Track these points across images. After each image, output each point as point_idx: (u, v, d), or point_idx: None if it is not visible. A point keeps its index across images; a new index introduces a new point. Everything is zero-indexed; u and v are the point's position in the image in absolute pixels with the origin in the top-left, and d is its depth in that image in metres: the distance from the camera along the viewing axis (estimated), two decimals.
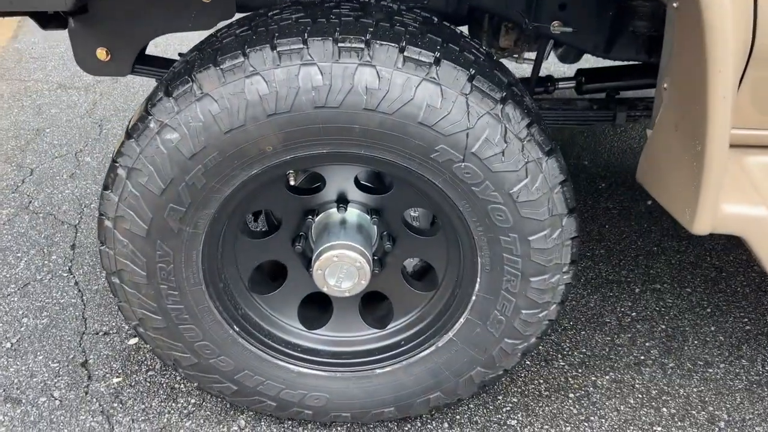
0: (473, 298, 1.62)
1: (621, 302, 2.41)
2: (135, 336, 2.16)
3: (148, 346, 1.71)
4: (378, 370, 1.74)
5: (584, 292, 2.45)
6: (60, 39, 4.49)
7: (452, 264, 1.67)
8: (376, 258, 1.68)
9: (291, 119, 1.33)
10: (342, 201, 1.65)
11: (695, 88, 1.30)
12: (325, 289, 1.64)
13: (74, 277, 2.42)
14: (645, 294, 2.45)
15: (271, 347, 1.72)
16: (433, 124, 1.34)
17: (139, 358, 2.08)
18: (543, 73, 2.33)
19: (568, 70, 3.71)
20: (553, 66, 3.92)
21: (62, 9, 1.31)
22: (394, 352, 1.75)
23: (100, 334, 2.17)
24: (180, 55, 2.14)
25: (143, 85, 3.92)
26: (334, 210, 1.66)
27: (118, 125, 3.47)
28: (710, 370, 2.13)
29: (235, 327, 1.68)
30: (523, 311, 1.61)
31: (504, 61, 2.39)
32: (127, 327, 2.20)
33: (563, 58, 2.76)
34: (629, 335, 2.26)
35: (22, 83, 3.89)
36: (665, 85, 1.49)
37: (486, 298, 1.61)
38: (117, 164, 1.44)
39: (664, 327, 2.30)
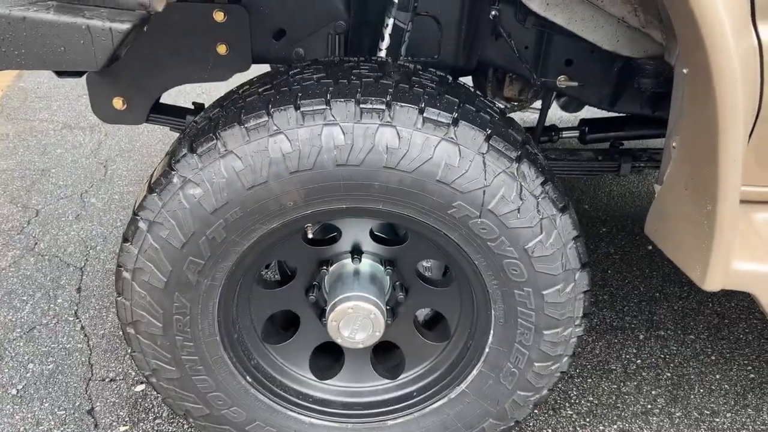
0: (486, 350, 1.63)
1: (626, 349, 2.43)
2: (142, 383, 2.15)
3: (158, 395, 1.70)
4: (390, 422, 1.74)
5: (589, 339, 2.47)
6: (66, 79, 4.55)
7: (465, 315, 1.69)
8: (388, 308, 1.70)
9: (313, 177, 1.37)
10: (356, 252, 1.68)
11: (705, 149, 1.34)
12: (339, 341, 1.65)
13: (80, 321, 2.41)
14: (649, 341, 2.47)
15: (283, 398, 1.72)
16: (451, 182, 1.37)
17: (146, 405, 2.07)
18: (547, 122, 2.39)
19: (572, 118, 3.79)
20: (554, 114, 4.00)
21: (93, 69, 1.35)
22: (406, 403, 1.75)
23: (107, 380, 2.16)
24: (194, 104, 2.20)
25: (148, 126, 3.95)
26: (348, 261, 1.68)
27: (122, 166, 3.50)
28: (717, 420, 2.14)
29: (247, 377, 1.68)
30: (536, 364, 1.62)
31: (509, 111, 2.45)
32: (134, 373, 2.19)
33: (566, 108, 2.82)
34: (635, 383, 2.27)
35: (27, 123, 3.93)
36: (674, 144, 1.53)
37: (499, 351, 1.62)
38: (138, 217, 1.46)
39: (669, 375, 2.31)
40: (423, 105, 1.36)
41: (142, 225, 1.46)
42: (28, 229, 2.92)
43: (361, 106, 1.34)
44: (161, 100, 2.13)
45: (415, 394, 1.76)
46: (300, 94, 1.38)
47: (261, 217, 1.42)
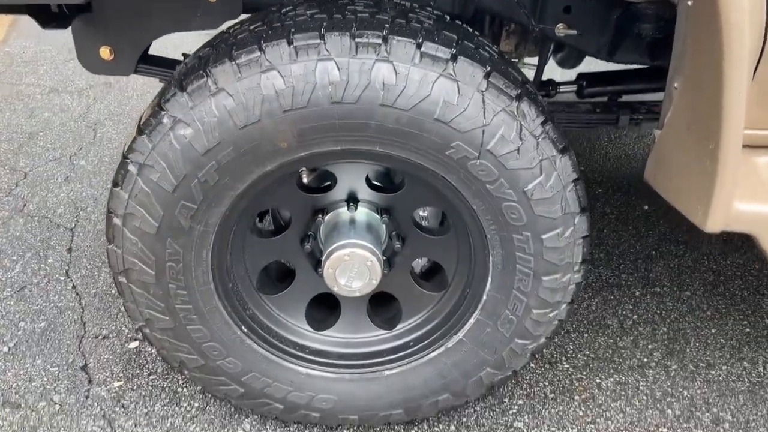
0: (484, 297, 1.61)
1: (622, 305, 2.42)
2: (135, 340, 2.12)
3: (152, 348, 1.68)
4: (387, 372, 1.73)
5: (585, 296, 2.46)
6: (52, 43, 4.45)
7: (463, 263, 1.66)
8: (385, 258, 1.67)
9: (307, 115, 1.33)
10: (352, 200, 1.64)
11: (709, 85, 1.31)
12: (335, 289, 1.63)
13: (71, 280, 2.37)
14: (645, 297, 2.46)
15: (279, 348, 1.70)
16: (449, 121, 1.34)
17: (141, 361, 2.05)
18: (544, 77, 2.35)
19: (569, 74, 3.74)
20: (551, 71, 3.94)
21: (79, 1, 1.30)
22: (403, 353, 1.74)
23: (100, 337, 2.13)
24: (184, 56, 2.13)
25: (137, 89, 3.89)
26: (344, 209, 1.65)
27: (112, 129, 3.43)
28: (713, 372, 2.14)
29: (243, 328, 1.66)
30: (534, 311, 1.61)
31: None
32: (127, 330, 2.16)
33: (562, 63, 2.77)
34: (631, 338, 2.27)
35: (13, 87, 3.84)
36: (676, 85, 1.50)
37: (497, 298, 1.61)
38: (128, 160, 1.42)
39: (665, 330, 2.31)
40: (420, 40, 1.32)
41: (132, 168, 1.42)
42: (16, 191, 2.87)
43: (357, 40, 1.30)
44: (152, 53, 2.08)
45: (411, 343, 1.74)
46: (293, 29, 1.33)
47: (254, 158, 1.39)
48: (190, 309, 1.58)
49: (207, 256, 1.53)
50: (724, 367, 2.16)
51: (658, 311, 2.40)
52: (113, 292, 2.32)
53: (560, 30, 1.98)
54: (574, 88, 2.40)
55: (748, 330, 2.31)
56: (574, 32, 1.98)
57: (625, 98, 2.32)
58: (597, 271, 2.59)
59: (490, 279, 1.59)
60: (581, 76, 2.39)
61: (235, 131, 1.34)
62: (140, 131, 1.40)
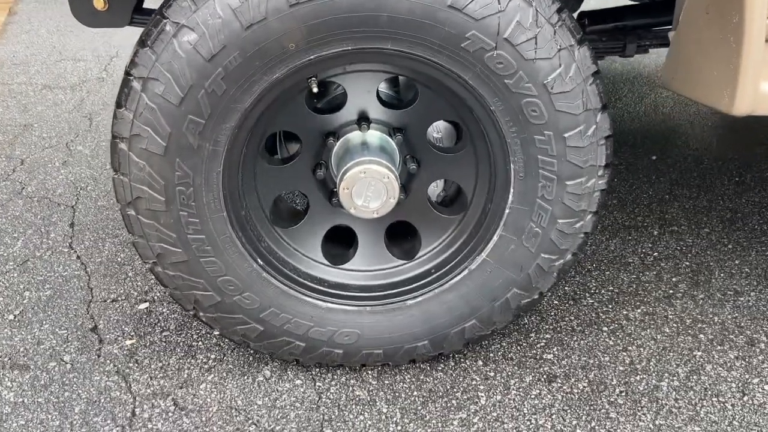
0: (507, 211, 1.56)
1: (641, 244, 2.36)
2: (145, 301, 2.05)
3: (166, 287, 1.60)
4: (409, 301, 1.66)
5: (602, 237, 2.40)
6: (42, 46, 4.42)
7: (482, 179, 1.61)
8: (401, 184, 1.61)
9: (315, 9, 1.28)
10: (363, 120, 1.59)
11: None
12: (352, 211, 1.57)
13: (75, 252, 2.30)
14: (664, 236, 2.41)
15: (298, 282, 1.64)
16: (463, 8, 1.29)
17: (152, 320, 1.97)
18: None
19: None
20: None
21: None
22: (424, 281, 1.67)
23: (108, 301, 2.06)
24: None
25: None
26: (355, 131, 1.59)
27: (108, 118, 3.38)
28: (741, 299, 2.08)
29: (259, 260, 1.59)
30: (560, 221, 1.55)
31: None
32: (136, 293, 2.09)
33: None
34: (654, 273, 2.21)
35: (4, 86, 3.79)
36: None
37: (520, 210, 1.55)
38: (131, 77, 1.37)
39: (688, 264, 2.25)
40: None
41: (135, 84, 1.36)
42: (14, 176, 2.81)
43: None
44: (146, 5, 2.04)
45: (433, 270, 1.68)
46: None
47: (262, 63, 1.33)
48: (203, 239, 1.51)
49: (218, 180, 1.47)
50: (752, 294, 2.10)
51: (678, 248, 2.34)
52: (119, 259, 2.25)
53: None
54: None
55: None
56: None
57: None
58: (612, 216, 2.53)
59: (512, 190, 1.53)
60: (583, 15, 2.36)
61: (241, 33, 1.29)
62: (142, 43, 1.35)
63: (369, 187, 1.52)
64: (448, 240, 1.69)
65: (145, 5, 2.01)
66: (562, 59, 1.37)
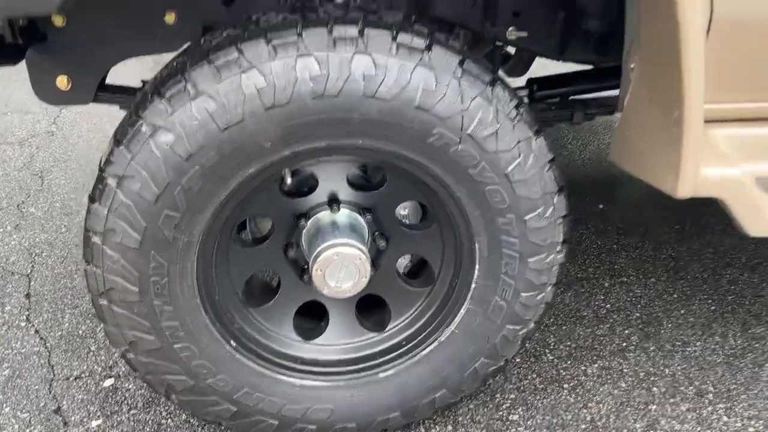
0: (473, 285, 1.63)
1: (594, 296, 2.48)
2: (110, 377, 2.02)
3: (134, 374, 1.61)
4: (381, 374, 1.71)
5: (559, 291, 2.51)
6: None
7: (448, 255, 1.68)
8: (370, 258, 1.67)
9: (290, 112, 1.33)
10: (333, 201, 1.64)
11: (667, 57, 1.39)
12: (325, 291, 1.61)
13: (33, 326, 2.25)
14: (614, 287, 2.54)
15: (270, 361, 1.66)
16: (429, 108, 1.37)
17: (118, 398, 1.95)
18: None
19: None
20: None
21: (51, 10, 1.28)
22: (396, 353, 1.72)
23: (71, 378, 2.02)
24: (143, 82, 2.11)
25: (81, 135, 3.80)
26: (326, 211, 1.64)
27: (60, 175, 3.32)
28: (689, 349, 2.21)
29: (232, 342, 1.61)
30: (523, 294, 1.64)
31: None
32: (100, 369, 2.06)
33: (511, 72, 2.89)
34: (608, 325, 2.33)
35: None
36: (632, 66, 1.59)
37: (486, 285, 1.62)
38: (105, 174, 1.38)
39: (638, 314, 2.38)
40: (395, 31, 1.36)
41: (110, 181, 1.38)
42: None
43: (334, 34, 1.33)
44: (108, 81, 2.04)
45: (404, 342, 1.73)
46: (269, 29, 1.35)
47: (238, 160, 1.37)
48: (176, 326, 1.53)
49: (192, 268, 1.49)
50: (698, 344, 2.23)
51: (629, 299, 2.47)
52: (80, 332, 2.22)
53: (511, 33, 2.08)
54: (525, 92, 2.50)
55: (713, 308, 2.41)
56: (524, 34, 2.08)
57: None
58: (565, 267, 2.65)
59: (477, 266, 1.61)
60: (531, 81, 2.50)
61: (218, 134, 1.34)
62: (117, 143, 1.37)
63: (341, 269, 1.57)
64: (417, 312, 1.75)
65: (108, 81, 2.02)
66: (521, 150, 1.46)
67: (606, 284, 2.56)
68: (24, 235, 2.79)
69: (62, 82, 1.86)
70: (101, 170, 1.40)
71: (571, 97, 2.38)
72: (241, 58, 1.32)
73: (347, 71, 1.32)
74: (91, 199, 1.42)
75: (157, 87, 1.36)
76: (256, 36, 1.34)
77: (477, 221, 1.54)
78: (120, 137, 1.37)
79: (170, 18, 1.78)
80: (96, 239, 1.43)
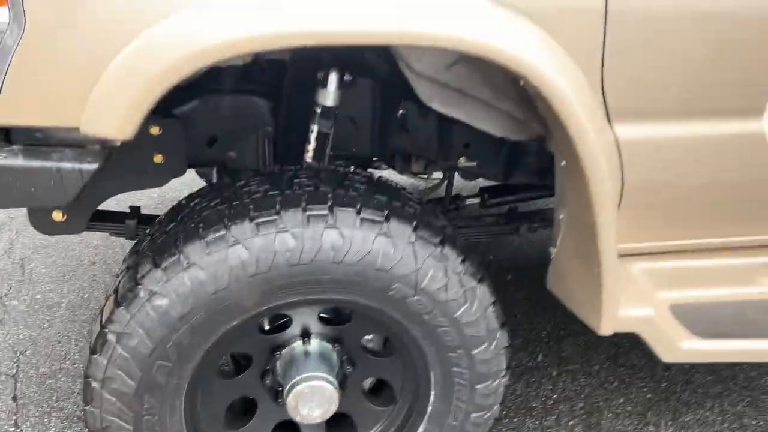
0: (430, 408, 1.86)
1: (542, 386, 2.73)
2: None
3: None
4: None
5: (510, 381, 2.74)
6: None
7: (408, 379, 1.91)
8: (338, 381, 1.88)
9: (269, 278, 1.56)
10: (305, 334, 1.86)
11: (585, 225, 1.67)
12: (298, 418, 1.82)
13: (21, 430, 2.39)
14: (561, 376, 2.79)
15: None
16: (389, 269, 1.61)
17: None
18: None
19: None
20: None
21: (62, 204, 1.48)
22: None
23: None
24: (131, 208, 2.32)
25: None
26: (299, 343, 1.86)
27: (41, 263, 3.46)
28: None
29: None
30: (473, 415, 1.87)
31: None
32: None
33: (465, 177, 3.18)
34: (554, 417, 2.57)
35: None
36: (561, 216, 1.86)
37: (441, 408, 1.86)
38: (107, 331, 1.58)
39: (582, 405, 2.63)
40: (359, 207, 1.61)
41: (111, 337, 1.58)
42: None
43: (308, 213, 1.57)
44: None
45: None
46: (252, 207, 1.58)
47: (223, 317, 1.59)
48: None
49: (180, 405, 1.69)
50: None
51: (574, 388, 2.72)
52: None
53: (462, 163, 2.36)
54: (477, 200, 2.78)
55: (649, 395, 2.68)
56: (473, 164, 2.36)
57: (524, 208, 2.71)
58: (517, 356, 2.90)
59: (432, 392, 1.84)
60: (483, 190, 2.78)
61: (207, 298, 1.55)
62: (118, 304, 1.57)
63: (312, 399, 1.78)
64: (381, 429, 1.97)
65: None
66: (467, 297, 1.71)
67: (554, 373, 2.81)
68: (8, 332, 2.92)
69: (57, 215, 2.03)
70: (102, 326, 1.60)
71: (517, 210, 2.67)
72: (228, 234, 1.55)
73: (318, 243, 1.56)
74: (92, 351, 1.61)
75: (155, 258, 1.57)
76: (242, 215, 1.57)
77: (432, 356, 1.78)
78: (120, 300, 1.57)
79: (158, 158, 2.00)
80: (95, 384, 1.62)
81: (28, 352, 2.80)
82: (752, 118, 1.73)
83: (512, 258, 3.72)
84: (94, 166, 1.44)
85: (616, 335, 3.02)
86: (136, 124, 1.41)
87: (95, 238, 3.72)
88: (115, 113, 1.38)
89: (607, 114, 1.63)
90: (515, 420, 2.54)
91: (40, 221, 2.05)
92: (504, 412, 2.58)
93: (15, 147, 1.46)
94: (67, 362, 2.75)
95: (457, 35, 1.41)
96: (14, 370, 2.69)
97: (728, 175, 1.77)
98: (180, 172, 2.08)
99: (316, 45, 1.40)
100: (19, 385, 2.62)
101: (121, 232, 2.24)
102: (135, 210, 2.27)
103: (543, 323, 3.12)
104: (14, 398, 2.55)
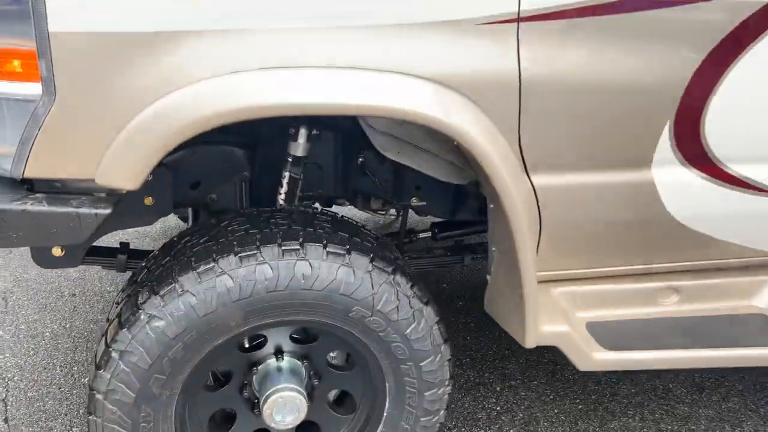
0: (385, 414, 2.19)
1: (487, 399, 3.07)
2: None
3: None
4: None
5: (459, 395, 3.09)
6: None
7: (366, 390, 2.23)
8: (306, 393, 2.19)
9: (250, 302, 1.88)
10: (279, 352, 2.17)
11: (510, 258, 2.04)
12: (272, 425, 2.12)
13: None
14: (504, 390, 3.14)
15: None
16: (350, 294, 1.95)
17: None
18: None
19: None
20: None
21: (79, 242, 1.77)
22: None
23: None
24: (121, 243, 2.61)
25: None
26: (273, 360, 2.17)
27: (23, 296, 3.68)
28: None
29: None
30: (422, 419, 2.20)
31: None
32: None
33: (418, 214, 3.55)
34: (498, 425, 2.91)
35: None
36: (493, 249, 2.24)
37: (395, 413, 2.18)
38: (111, 349, 1.87)
39: (521, 415, 2.98)
40: (325, 242, 1.95)
41: (114, 354, 1.87)
42: None
43: (283, 248, 1.90)
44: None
45: None
46: (236, 243, 1.91)
47: (211, 336, 1.90)
48: None
49: (172, 414, 1.97)
50: None
51: (515, 401, 3.07)
52: None
53: (414, 202, 2.73)
54: (429, 234, 3.15)
55: (581, 407, 3.05)
56: (423, 203, 2.73)
57: (470, 240, 3.09)
58: (466, 374, 3.24)
59: (388, 399, 2.17)
60: (434, 225, 3.16)
61: (197, 319, 1.86)
62: (121, 326, 1.87)
63: (285, 407, 2.09)
64: None
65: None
66: (415, 317, 2.06)
67: (498, 388, 3.16)
68: None
69: (57, 251, 2.30)
70: (107, 346, 1.88)
71: (463, 243, 3.05)
72: (216, 266, 1.86)
73: (292, 273, 1.89)
74: (98, 366, 1.89)
75: (153, 286, 1.87)
76: (227, 250, 1.89)
77: (386, 368, 2.11)
78: (123, 323, 1.86)
79: (149, 201, 2.31)
80: (99, 396, 1.89)
81: (15, 377, 3.02)
82: (643, 168, 2.14)
83: (462, 286, 4.09)
84: (108, 210, 1.75)
85: (553, 355, 3.42)
86: (143, 177, 1.73)
87: (74, 270, 3.95)
88: (126, 168, 1.70)
89: (525, 167, 2.02)
90: (463, 429, 2.88)
91: (42, 256, 2.33)
92: (453, 423, 2.91)
93: (39, 195, 1.76)
94: (53, 386, 2.98)
95: (404, 107, 1.78)
96: (4, 395, 2.91)
97: (625, 214, 2.17)
98: (166, 213, 2.40)
99: (296, 114, 1.75)
100: (9, 408, 2.83)
101: (112, 265, 2.52)
102: (124, 246, 2.56)
103: (489, 344, 3.48)
104: (5, 420, 2.76)
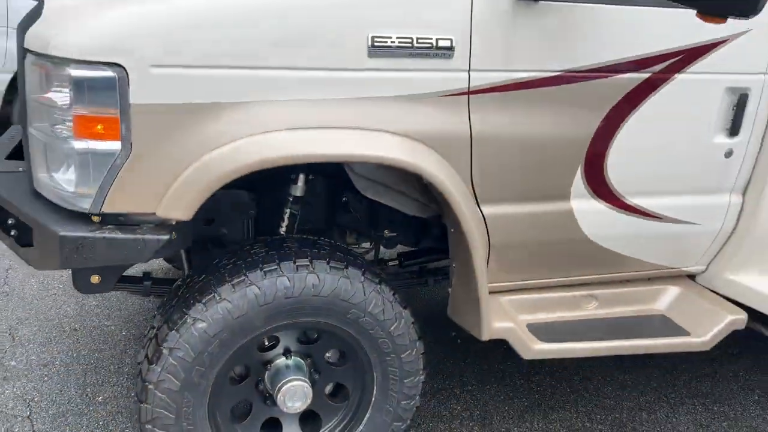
0: (373, 399, 2.74)
1: (449, 401, 3.64)
2: None
3: None
4: None
5: (425, 399, 3.65)
6: None
7: (358, 382, 2.78)
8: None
9: (272, 306, 2.43)
10: (287, 351, 2.71)
11: (467, 271, 2.67)
12: (284, 409, 2.63)
13: None
14: (463, 393, 3.72)
15: None
16: (348, 299, 2.53)
17: None
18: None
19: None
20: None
21: (143, 261, 2.29)
22: None
23: None
24: (144, 273, 3.10)
25: (34, 294, 4.51)
26: (282, 358, 2.70)
27: (28, 331, 4.03)
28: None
29: None
30: (402, 402, 2.76)
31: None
32: None
33: (386, 246, 4.17)
34: (459, 420, 3.47)
35: None
36: (454, 265, 2.87)
37: (381, 398, 2.74)
38: (162, 347, 2.37)
39: (478, 412, 3.56)
40: (328, 259, 2.53)
41: (164, 351, 2.37)
42: None
43: (297, 264, 2.47)
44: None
45: None
46: (260, 261, 2.47)
47: (240, 335, 2.43)
48: None
49: (205, 400, 2.47)
50: (515, 429, 3.44)
51: (472, 400, 3.65)
52: None
53: (386, 234, 3.35)
54: (397, 262, 3.76)
55: (526, 403, 3.65)
56: (394, 234, 3.35)
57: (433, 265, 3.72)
58: (431, 382, 3.81)
59: (375, 386, 2.72)
60: (400, 254, 3.77)
61: (232, 322, 2.39)
62: (170, 328, 2.37)
63: (296, 394, 2.61)
64: (338, 419, 2.80)
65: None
66: (396, 318, 2.64)
67: (457, 392, 3.74)
68: (13, 384, 3.49)
69: (94, 279, 2.79)
70: (158, 344, 2.38)
71: (427, 267, 3.67)
72: (246, 279, 2.41)
73: (304, 283, 2.46)
74: (149, 361, 2.38)
75: (196, 296, 2.40)
76: (254, 266, 2.44)
77: (374, 360, 2.67)
78: (172, 326, 2.38)
79: (173, 236, 2.83)
80: (151, 387, 2.38)
81: (35, 399, 3.39)
82: (564, 200, 2.84)
83: (417, 311, 4.69)
84: (167, 236, 2.28)
85: (502, 364, 4.02)
86: (194, 211, 2.28)
87: (72, 307, 4.34)
88: (182, 205, 2.26)
89: (476, 199, 2.68)
90: (431, 424, 3.43)
91: (82, 283, 2.79)
92: (421, 420, 3.46)
93: (110, 226, 2.28)
94: (72, 405, 3.37)
95: (389, 156, 2.42)
96: (27, 413, 3.28)
97: (552, 236, 2.86)
98: (186, 245, 2.92)
99: (307, 162, 2.36)
100: (35, 424, 3.21)
101: (138, 290, 3.01)
102: (147, 274, 3.06)
103: (447, 356, 4.06)
104: None
